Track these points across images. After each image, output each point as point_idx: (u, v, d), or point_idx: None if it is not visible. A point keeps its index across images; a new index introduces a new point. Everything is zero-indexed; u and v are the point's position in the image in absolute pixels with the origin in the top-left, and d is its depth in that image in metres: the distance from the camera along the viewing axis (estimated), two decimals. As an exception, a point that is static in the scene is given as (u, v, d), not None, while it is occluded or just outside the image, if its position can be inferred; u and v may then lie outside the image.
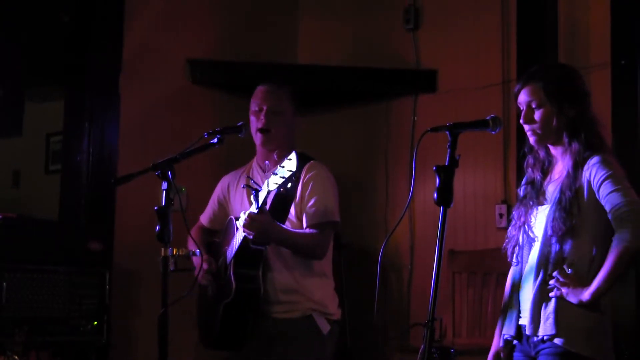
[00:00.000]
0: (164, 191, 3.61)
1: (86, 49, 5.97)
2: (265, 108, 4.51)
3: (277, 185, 3.85)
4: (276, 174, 3.84)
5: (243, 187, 4.28)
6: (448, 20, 6.35)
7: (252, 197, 4.09)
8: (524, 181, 3.72)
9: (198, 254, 3.91)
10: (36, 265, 5.24)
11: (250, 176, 4.58)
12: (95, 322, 5.37)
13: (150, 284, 4.78)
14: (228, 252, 4.46)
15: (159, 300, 3.55)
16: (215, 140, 3.86)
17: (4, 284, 5.06)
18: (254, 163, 4.72)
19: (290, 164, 3.80)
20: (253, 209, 4.10)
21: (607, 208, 3.37)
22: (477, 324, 5.73)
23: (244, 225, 4.15)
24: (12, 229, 5.52)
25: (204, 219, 4.90)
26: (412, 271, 6.28)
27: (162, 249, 3.59)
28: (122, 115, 5.98)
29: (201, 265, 4.48)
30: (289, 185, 3.85)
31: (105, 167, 5.90)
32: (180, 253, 3.71)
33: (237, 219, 4.41)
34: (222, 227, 4.82)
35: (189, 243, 4.54)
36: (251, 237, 4.20)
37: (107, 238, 5.84)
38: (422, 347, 3.15)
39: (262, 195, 4.02)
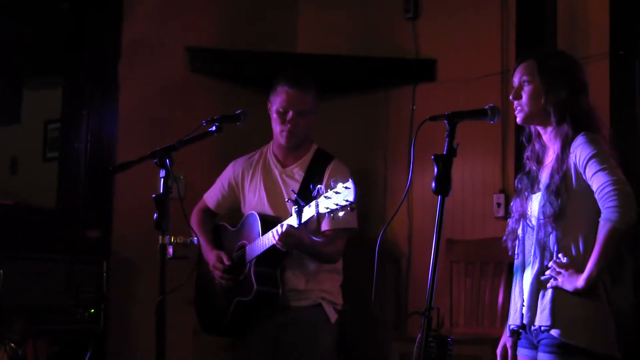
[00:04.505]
0: (162, 179, 3.60)
1: (85, 37, 5.96)
2: (291, 112, 4.51)
3: (328, 211, 3.81)
4: (329, 198, 3.80)
5: (287, 201, 4.23)
6: (447, 10, 6.34)
7: (294, 210, 4.05)
8: (521, 173, 3.72)
9: (196, 242, 3.91)
10: (34, 253, 5.25)
11: (268, 169, 4.61)
12: (93, 310, 5.37)
13: (148, 272, 4.77)
14: (248, 249, 4.47)
15: (156, 288, 3.54)
16: (214, 128, 3.84)
17: (1, 272, 5.06)
18: (270, 154, 4.70)
19: (347, 193, 3.73)
20: (293, 222, 4.08)
21: (594, 188, 3.34)
22: (474, 313, 5.74)
23: (280, 238, 4.16)
24: (9, 217, 5.52)
25: (210, 201, 4.86)
26: (410, 260, 6.29)
27: (160, 237, 3.58)
28: (121, 103, 5.98)
29: (219, 262, 4.53)
30: (341, 213, 3.79)
31: (103, 155, 5.89)
32: (178, 241, 3.72)
33: (262, 219, 4.43)
34: (228, 211, 4.82)
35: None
36: (284, 249, 4.23)
37: (105, 226, 5.83)
38: (419, 336, 3.15)
39: (307, 215, 3.99)
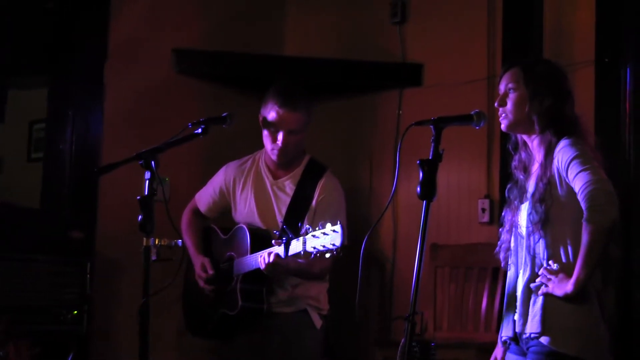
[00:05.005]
0: (147, 181, 3.60)
1: (71, 37, 5.94)
2: (282, 132, 4.48)
3: (315, 251, 3.81)
4: (316, 237, 3.80)
5: (276, 233, 4.19)
6: (434, 15, 6.35)
7: (281, 238, 4.05)
8: (509, 184, 3.72)
9: (180, 244, 3.91)
10: (17, 253, 5.22)
11: (259, 176, 4.60)
12: (76, 312, 5.35)
13: (132, 274, 4.76)
14: (236, 263, 4.48)
15: (140, 290, 3.54)
16: (200, 130, 3.84)
17: (-16, 272, 5.05)
18: (262, 163, 4.68)
19: (335, 237, 3.72)
20: (280, 252, 4.07)
21: (576, 189, 3.33)
22: (458, 318, 5.74)
23: (267, 267, 4.18)
24: (-7, 217, 5.50)
25: (202, 205, 4.87)
26: (395, 265, 6.29)
27: (145, 239, 3.59)
28: (107, 104, 5.96)
29: (203, 271, 4.55)
30: (327, 255, 3.78)
31: (88, 156, 5.87)
32: (163, 243, 3.70)
33: (253, 233, 4.44)
34: (218, 215, 4.82)
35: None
36: (270, 275, 4.27)
37: (90, 227, 5.81)
38: (402, 340, 3.15)
39: (294, 249, 3.97)
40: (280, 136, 4.47)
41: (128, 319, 4.57)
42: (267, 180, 4.62)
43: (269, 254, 4.15)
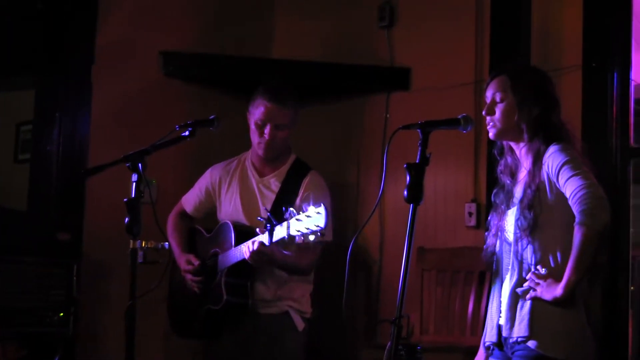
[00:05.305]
0: (134, 183, 3.60)
1: (59, 38, 5.93)
2: (269, 125, 4.57)
3: (300, 234, 3.83)
4: (300, 221, 3.82)
5: (259, 219, 4.22)
6: (422, 19, 6.35)
7: (266, 226, 4.08)
8: (495, 188, 3.73)
9: (167, 246, 3.92)
10: (4, 255, 5.22)
11: (245, 177, 4.63)
12: (62, 314, 5.34)
13: (119, 276, 4.77)
14: (221, 258, 4.51)
15: (127, 292, 3.54)
16: (187, 133, 3.84)
17: (-29, 273, 5.04)
18: (248, 162, 4.75)
19: (318, 218, 3.75)
20: (265, 240, 4.11)
21: (567, 194, 3.35)
22: (444, 321, 5.74)
23: (251, 256, 4.20)
24: (-21, 219, 5.49)
25: (188, 206, 4.92)
26: (381, 268, 6.29)
27: (131, 241, 3.59)
28: (94, 106, 5.95)
29: (188, 265, 4.56)
30: (311, 237, 3.80)
31: (75, 158, 5.87)
32: (149, 245, 3.70)
33: (237, 229, 4.45)
34: (204, 215, 4.85)
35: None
36: (254, 265, 4.26)
37: (77, 229, 5.81)
38: (389, 343, 3.15)
39: (278, 234, 4.00)
40: (267, 130, 4.56)
41: (115, 321, 4.57)
42: (253, 178, 4.67)
43: (253, 242, 4.19)
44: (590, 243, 3.28)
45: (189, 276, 4.63)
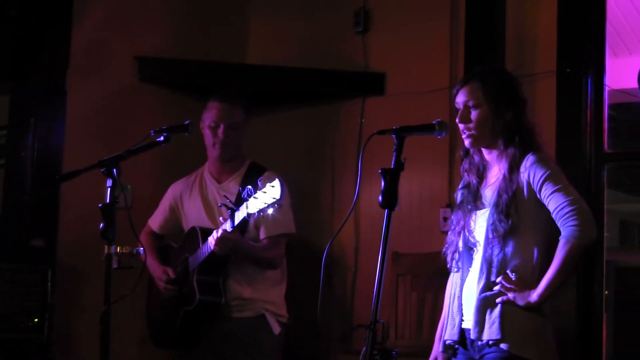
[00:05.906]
0: (109, 188, 3.60)
1: (33, 44, 5.92)
2: (222, 125, 4.67)
3: (258, 210, 3.93)
4: (257, 199, 3.92)
5: (220, 206, 4.36)
6: (397, 24, 6.36)
7: (227, 214, 4.22)
8: (460, 186, 3.74)
9: (142, 251, 3.91)
10: (-23, 260, 5.20)
11: (204, 186, 4.68)
12: (37, 320, 5.33)
13: (94, 282, 4.74)
14: (191, 260, 4.57)
15: (102, 297, 3.54)
16: (162, 138, 3.85)
17: (-56, 279, 5.01)
18: (206, 172, 4.82)
19: (273, 191, 3.86)
20: (227, 227, 4.24)
21: (551, 208, 3.39)
22: (419, 326, 5.75)
23: (217, 243, 4.26)
24: (-47, 224, 5.46)
25: (154, 224, 4.99)
26: (357, 273, 6.29)
27: (106, 247, 3.58)
28: (69, 111, 5.94)
29: (164, 275, 4.59)
30: (270, 210, 3.90)
31: (50, 164, 5.85)
32: (124, 251, 3.70)
33: (203, 230, 4.49)
34: (172, 231, 4.90)
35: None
36: (221, 253, 4.27)
37: (51, 235, 5.79)
38: (364, 349, 3.16)
39: (239, 216, 4.14)
40: (220, 130, 4.67)
41: (89, 327, 4.55)
42: (212, 185, 4.77)
43: (217, 231, 4.30)
44: (574, 258, 3.35)
45: (161, 284, 4.66)
